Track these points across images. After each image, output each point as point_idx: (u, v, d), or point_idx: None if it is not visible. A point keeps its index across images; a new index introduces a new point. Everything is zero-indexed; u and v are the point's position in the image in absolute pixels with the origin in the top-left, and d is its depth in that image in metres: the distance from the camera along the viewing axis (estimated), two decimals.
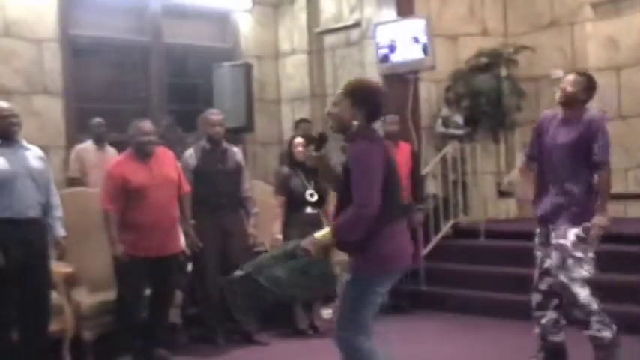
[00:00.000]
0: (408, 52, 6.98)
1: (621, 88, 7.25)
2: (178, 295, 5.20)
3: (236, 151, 5.46)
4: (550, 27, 7.66)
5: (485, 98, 7.26)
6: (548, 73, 7.55)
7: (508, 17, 8.04)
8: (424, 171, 6.64)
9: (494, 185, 7.62)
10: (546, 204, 3.98)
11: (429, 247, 6.61)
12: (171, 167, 4.85)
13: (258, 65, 8.17)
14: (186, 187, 4.94)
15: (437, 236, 6.70)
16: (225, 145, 5.36)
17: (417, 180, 6.23)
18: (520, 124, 7.41)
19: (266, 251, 5.69)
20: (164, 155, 4.86)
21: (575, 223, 3.84)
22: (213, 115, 5.33)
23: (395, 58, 7.04)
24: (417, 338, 5.27)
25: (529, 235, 6.32)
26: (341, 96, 3.00)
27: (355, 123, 2.98)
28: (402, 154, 6.20)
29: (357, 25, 7.87)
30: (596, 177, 3.85)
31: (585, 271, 3.80)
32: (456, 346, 5.01)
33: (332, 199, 5.77)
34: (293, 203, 5.43)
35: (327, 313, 5.71)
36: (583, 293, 3.78)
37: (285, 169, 5.58)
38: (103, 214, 4.65)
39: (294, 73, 8.45)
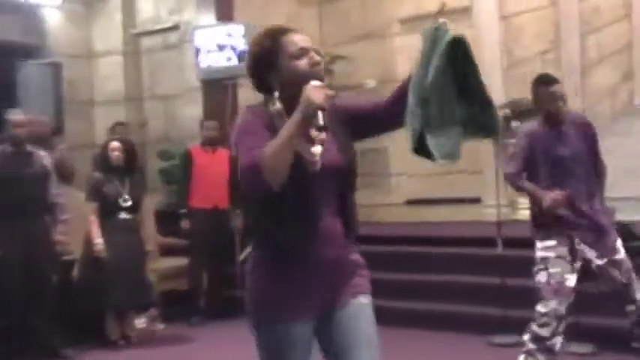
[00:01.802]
0: (226, 58, 6.96)
1: None
2: None
3: (43, 155, 5.13)
4: (364, 39, 8.01)
5: None
6: (362, 82, 7.89)
7: (324, 27, 8.30)
8: None
9: None
10: (571, 216, 3.67)
11: (246, 252, 6.61)
12: None
13: (69, 65, 7.73)
14: None
15: None
16: (29, 148, 5.02)
17: (235, 185, 6.21)
18: None
19: (75, 259, 5.43)
20: None
21: (614, 232, 3.74)
22: (14, 115, 4.99)
23: (214, 63, 6.99)
24: (242, 344, 5.24)
25: None
26: None
27: None
28: (220, 159, 6.18)
29: (175, 28, 7.73)
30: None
31: None
32: None
33: (147, 206, 5.63)
34: (106, 209, 5.23)
35: (140, 322, 5.53)
36: None
37: (98, 174, 5.37)
38: None
39: (108, 74, 8.11)
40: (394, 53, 7.89)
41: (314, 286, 1.96)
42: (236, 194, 6.20)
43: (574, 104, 5.64)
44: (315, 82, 1.90)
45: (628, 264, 3.68)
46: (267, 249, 1.99)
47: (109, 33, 8.07)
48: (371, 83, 7.87)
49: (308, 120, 1.84)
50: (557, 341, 3.57)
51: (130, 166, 5.37)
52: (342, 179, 2.02)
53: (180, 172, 6.32)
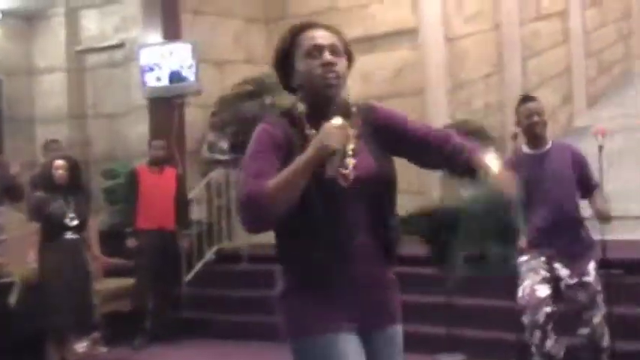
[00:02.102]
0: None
1: None
2: None
3: None
4: None
5: (250, 125, 7.38)
6: None
7: (272, 46, 8.28)
8: (189, 196, 6.57)
9: None
10: (548, 237, 3.72)
11: (192, 273, 6.54)
12: None
13: (8, 81, 7.55)
14: None
15: (200, 262, 6.64)
16: None
17: (181, 205, 6.15)
18: None
19: (14, 282, 5.25)
20: None
21: (591, 255, 3.78)
22: None
23: (161, 81, 6.93)
24: None
25: None
26: (340, 46, 1.93)
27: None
28: (167, 179, 6.10)
29: (121, 45, 7.63)
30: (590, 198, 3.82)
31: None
32: None
33: (93, 225, 5.50)
34: (51, 229, 5.06)
35: (81, 346, 5.37)
36: (607, 334, 3.74)
37: (41, 193, 5.22)
38: None
39: (51, 91, 7.94)
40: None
41: (349, 302, 1.84)
42: (183, 214, 6.13)
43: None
44: (336, 121, 1.72)
45: (595, 288, 3.73)
46: (298, 270, 1.86)
47: (51, 49, 7.91)
48: None
49: (320, 161, 1.70)
50: (549, 345, 3.60)
51: (74, 185, 5.24)
52: (377, 192, 1.85)
53: (126, 192, 6.21)
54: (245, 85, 7.60)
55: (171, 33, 7.24)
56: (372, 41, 7.84)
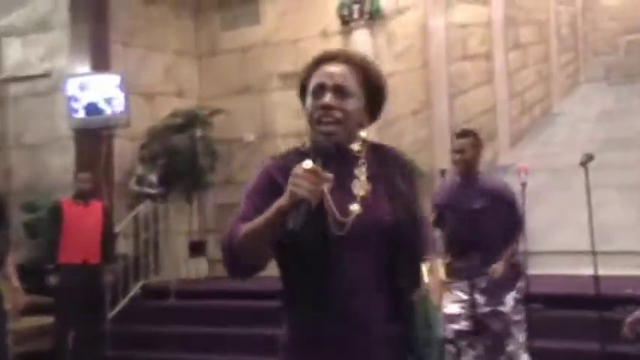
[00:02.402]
0: (101, 108, 6.79)
1: None
2: None
3: None
4: (242, 93, 8.05)
5: (180, 158, 7.32)
6: (240, 136, 7.89)
7: (203, 80, 8.29)
8: (116, 229, 6.41)
9: (186, 244, 7.64)
10: (470, 268, 3.80)
11: (117, 309, 6.35)
12: None
13: None
14: None
15: (125, 297, 6.47)
16: None
17: (107, 239, 5.98)
18: (213, 184, 7.58)
19: None
20: None
21: (511, 285, 3.82)
22: None
23: (88, 112, 6.79)
24: None
25: (220, 294, 6.46)
26: (352, 84, 1.73)
27: (362, 134, 1.80)
28: (93, 212, 5.93)
29: (46, 75, 7.46)
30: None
31: (525, 332, 3.81)
32: None
33: (12, 260, 5.26)
34: None
35: None
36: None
37: None
38: None
39: None
40: (273, 108, 7.98)
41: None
42: (108, 248, 5.96)
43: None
44: (306, 163, 1.51)
45: (512, 318, 3.81)
46: (293, 322, 1.69)
47: None
48: (250, 137, 7.90)
49: (290, 209, 1.50)
50: None
51: None
52: (388, 242, 1.64)
53: (49, 226, 5.99)
54: (175, 118, 7.53)
55: (100, 64, 7.13)
56: None
